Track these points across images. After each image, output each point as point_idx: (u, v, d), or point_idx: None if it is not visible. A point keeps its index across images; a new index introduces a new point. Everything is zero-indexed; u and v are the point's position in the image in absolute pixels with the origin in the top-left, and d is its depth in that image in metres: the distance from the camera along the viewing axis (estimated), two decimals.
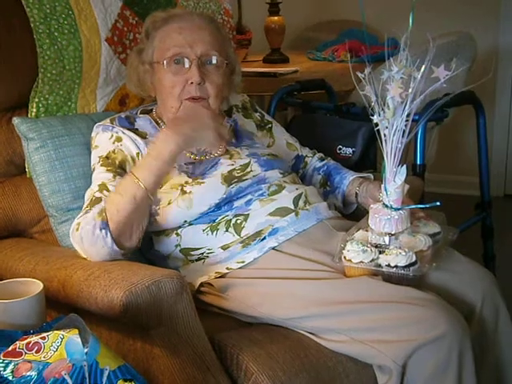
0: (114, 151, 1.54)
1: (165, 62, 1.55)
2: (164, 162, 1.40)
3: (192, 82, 1.54)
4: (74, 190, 1.57)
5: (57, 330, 1.03)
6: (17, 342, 1.02)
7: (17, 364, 1.00)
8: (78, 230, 1.40)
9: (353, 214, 1.71)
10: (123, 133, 1.56)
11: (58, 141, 1.58)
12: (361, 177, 1.71)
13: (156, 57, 1.58)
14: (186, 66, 1.55)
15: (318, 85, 2.40)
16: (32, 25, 1.56)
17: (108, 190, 1.46)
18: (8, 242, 1.58)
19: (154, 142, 1.46)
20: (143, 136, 1.58)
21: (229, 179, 1.52)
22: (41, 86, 1.60)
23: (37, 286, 1.20)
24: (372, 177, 1.72)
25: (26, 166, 1.61)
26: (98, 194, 1.46)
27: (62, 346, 1.00)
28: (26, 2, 1.55)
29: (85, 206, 1.46)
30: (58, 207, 1.56)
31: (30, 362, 1.00)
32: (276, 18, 3.27)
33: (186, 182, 1.51)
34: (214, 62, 1.57)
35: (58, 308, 1.32)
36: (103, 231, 1.37)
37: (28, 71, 1.59)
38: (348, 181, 1.71)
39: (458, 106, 2.18)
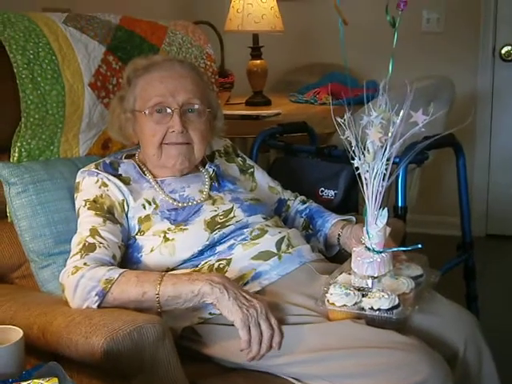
0: (101, 196, 1.54)
1: (147, 111, 1.57)
2: (191, 292, 1.34)
3: (173, 131, 1.55)
4: (56, 234, 1.56)
5: (36, 378, 1.01)
6: None
7: None
8: (74, 274, 1.38)
9: (335, 257, 1.71)
10: (108, 179, 1.56)
11: (40, 185, 1.57)
12: (343, 219, 1.72)
13: (138, 105, 1.60)
14: (169, 114, 1.56)
15: (299, 127, 2.43)
16: (15, 70, 1.57)
17: (100, 236, 1.46)
18: None
19: (207, 274, 1.41)
20: (127, 182, 1.58)
21: (212, 225, 1.52)
22: (23, 130, 1.60)
23: (16, 334, 1.18)
24: (354, 219, 1.73)
25: (7, 210, 1.60)
26: (90, 240, 1.45)
27: None
28: (10, 47, 1.57)
29: (76, 250, 1.44)
30: (39, 252, 1.55)
31: None
32: (258, 61, 3.31)
33: (169, 229, 1.51)
34: (197, 110, 1.58)
35: (38, 355, 1.30)
36: (97, 297, 1.35)
37: (11, 116, 1.60)
38: (330, 224, 1.72)
39: (438, 149, 2.21)
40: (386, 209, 1.37)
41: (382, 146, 1.33)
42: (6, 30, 1.58)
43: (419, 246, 1.40)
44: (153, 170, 1.63)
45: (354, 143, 1.33)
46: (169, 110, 1.56)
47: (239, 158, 1.83)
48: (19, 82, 1.57)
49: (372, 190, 1.35)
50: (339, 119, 1.33)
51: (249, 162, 1.85)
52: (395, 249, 1.43)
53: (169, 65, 1.62)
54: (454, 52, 3.58)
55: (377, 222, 1.37)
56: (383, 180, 1.35)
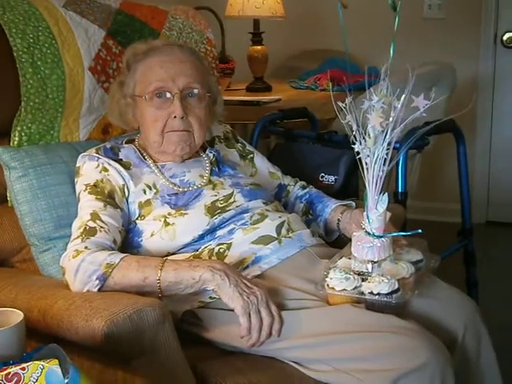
0: (102, 180, 1.54)
1: (147, 96, 1.56)
2: (192, 278, 1.34)
3: (175, 116, 1.55)
4: (56, 219, 1.56)
5: (37, 360, 1.01)
6: None
7: None
8: (75, 257, 1.38)
9: (335, 242, 1.72)
10: (109, 164, 1.56)
11: (40, 170, 1.57)
12: (343, 204, 1.72)
13: (138, 91, 1.59)
14: (169, 99, 1.55)
15: (300, 113, 2.42)
16: (15, 54, 1.56)
17: (101, 220, 1.46)
18: None
19: (208, 260, 1.42)
20: (127, 167, 1.58)
21: (212, 210, 1.53)
22: (23, 114, 1.60)
23: (17, 316, 1.19)
24: (354, 204, 1.73)
25: (8, 194, 1.60)
26: (91, 224, 1.45)
27: (41, 376, 0.99)
28: (9, 31, 1.56)
29: (77, 234, 1.44)
30: (39, 236, 1.55)
31: None
32: (259, 47, 3.31)
33: (169, 214, 1.51)
34: (197, 95, 1.58)
35: (39, 338, 1.30)
36: (97, 281, 1.36)
37: (11, 100, 1.59)
38: (330, 209, 1.72)
39: (439, 134, 2.21)
40: (386, 194, 1.38)
41: (382, 131, 1.33)
42: (5, 14, 1.58)
43: (419, 231, 1.41)
44: (153, 155, 1.63)
45: (354, 128, 1.33)
46: (169, 95, 1.55)
47: (239, 144, 1.83)
48: (19, 66, 1.57)
49: (372, 174, 1.35)
50: (340, 103, 1.33)
51: (248, 147, 1.85)
52: (395, 234, 1.44)
53: (168, 49, 1.61)
54: (456, 38, 3.57)
55: (377, 207, 1.37)
56: (384, 165, 1.35)
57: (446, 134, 2.23)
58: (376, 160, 1.34)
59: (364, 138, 1.33)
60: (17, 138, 1.61)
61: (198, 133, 1.59)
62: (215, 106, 1.70)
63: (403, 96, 1.30)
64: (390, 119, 1.31)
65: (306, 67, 3.55)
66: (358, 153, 1.35)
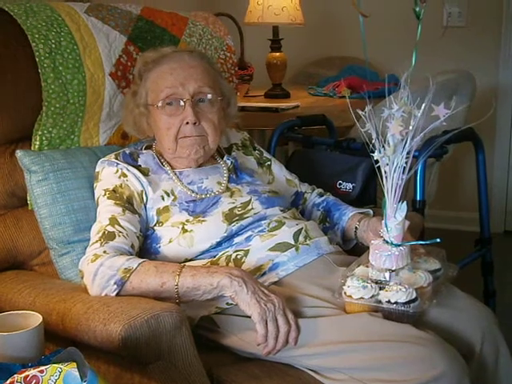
0: (120, 186, 1.55)
1: (159, 104, 1.57)
2: (210, 285, 1.35)
3: (187, 122, 1.56)
4: (75, 222, 1.57)
5: (55, 363, 1.02)
6: (15, 376, 1.01)
7: None
8: (94, 261, 1.39)
9: (353, 249, 1.71)
10: (128, 170, 1.57)
11: (60, 174, 1.59)
12: (361, 212, 1.72)
13: (150, 99, 1.61)
14: (181, 106, 1.56)
15: (318, 120, 2.42)
16: (37, 59, 1.58)
17: (119, 225, 1.47)
18: (8, 274, 1.58)
19: (226, 267, 1.42)
20: (146, 173, 1.59)
21: (230, 217, 1.53)
22: (44, 119, 1.61)
23: (36, 319, 1.20)
24: (372, 212, 1.72)
25: (28, 198, 1.62)
26: (110, 229, 1.46)
27: (60, 379, 0.99)
28: (32, 36, 1.58)
29: (96, 238, 1.46)
30: (58, 240, 1.57)
31: None
32: (278, 53, 3.31)
33: (187, 221, 1.51)
34: (209, 99, 1.59)
35: (57, 341, 1.32)
36: (115, 286, 1.36)
37: (32, 104, 1.61)
38: (347, 217, 1.72)
39: (458, 143, 2.20)
40: (405, 202, 1.37)
41: (402, 140, 1.32)
42: (28, 19, 1.60)
43: (438, 240, 1.40)
44: (170, 162, 1.63)
45: (374, 136, 1.32)
46: (181, 102, 1.56)
47: (256, 151, 1.83)
48: (41, 71, 1.58)
49: (392, 183, 1.34)
50: (360, 111, 1.33)
51: (266, 155, 1.85)
52: (414, 242, 1.43)
53: (178, 56, 1.62)
54: (476, 46, 3.55)
55: (396, 215, 1.37)
56: (403, 173, 1.34)
57: (464, 142, 2.22)
58: (395, 168, 1.33)
59: (383, 146, 1.33)
60: (38, 142, 1.63)
61: (212, 137, 1.59)
62: (229, 109, 1.70)
63: (423, 105, 1.30)
64: (410, 128, 1.31)
65: (325, 74, 3.55)
66: (377, 161, 1.35)
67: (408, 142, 1.32)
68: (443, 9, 3.58)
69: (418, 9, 1.32)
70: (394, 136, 1.32)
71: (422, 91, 1.32)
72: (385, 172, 1.35)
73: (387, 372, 1.28)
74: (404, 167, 1.34)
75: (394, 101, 1.31)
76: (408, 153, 1.33)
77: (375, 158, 1.34)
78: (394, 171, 1.34)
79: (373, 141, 1.33)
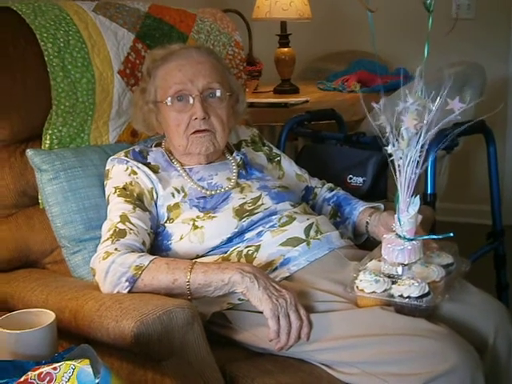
0: (131, 183, 1.55)
1: (168, 100, 1.57)
2: (221, 281, 1.35)
3: (196, 118, 1.56)
4: (87, 220, 1.58)
5: (68, 360, 1.02)
6: (29, 373, 1.02)
7: None
8: (105, 259, 1.40)
9: (364, 244, 1.71)
10: (137, 167, 1.58)
11: (70, 172, 1.59)
12: (371, 207, 1.71)
13: (159, 96, 1.61)
14: (190, 102, 1.56)
15: (328, 115, 2.41)
16: (46, 58, 1.59)
17: (130, 222, 1.47)
18: (20, 272, 1.59)
19: (237, 263, 1.42)
20: (156, 170, 1.60)
21: (240, 213, 1.53)
22: (54, 117, 1.62)
23: (49, 317, 1.20)
24: (382, 207, 1.72)
25: (39, 197, 1.62)
26: (121, 226, 1.46)
27: (73, 376, 1.00)
28: (41, 36, 1.58)
29: (107, 236, 1.46)
30: (70, 238, 1.57)
31: None
32: (286, 49, 3.30)
33: (198, 217, 1.51)
34: (217, 95, 1.59)
35: (70, 338, 1.32)
36: (127, 283, 1.37)
37: (42, 103, 1.61)
38: (358, 211, 1.71)
39: (469, 135, 2.19)
40: (418, 196, 1.36)
41: (416, 133, 1.31)
42: (36, 19, 1.60)
43: (451, 234, 1.39)
44: (180, 159, 1.64)
45: (388, 129, 1.31)
46: (190, 99, 1.56)
47: (266, 147, 1.83)
48: (50, 70, 1.59)
49: (405, 177, 1.33)
50: (375, 104, 1.32)
51: (275, 150, 1.84)
52: (426, 237, 1.42)
53: (186, 52, 1.62)
54: (485, 38, 3.53)
55: (408, 210, 1.36)
56: (416, 167, 1.33)
57: (475, 134, 2.21)
58: (409, 162, 1.32)
59: (397, 139, 1.32)
60: (48, 141, 1.63)
61: (220, 133, 1.59)
62: (237, 105, 1.70)
63: (438, 98, 1.29)
64: (425, 122, 1.30)
65: (334, 69, 3.54)
66: (390, 155, 1.34)
67: (422, 135, 1.31)
68: (452, 1, 3.56)
69: (428, 1, 1.31)
70: (408, 129, 1.31)
71: (433, 84, 1.31)
72: (398, 166, 1.34)
73: (399, 366, 1.28)
74: (418, 161, 1.33)
75: (408, 94, 1.30)
76: (422, 147, 1.32)
77: (388, 152, 1.34)
78: (408, 165, 1.33)
79: (386, 134, 1.32)
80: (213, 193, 1.58)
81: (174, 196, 1.56)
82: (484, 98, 2.47)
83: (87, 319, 1.30)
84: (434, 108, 1.29)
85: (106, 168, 1.61)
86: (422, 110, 1.30)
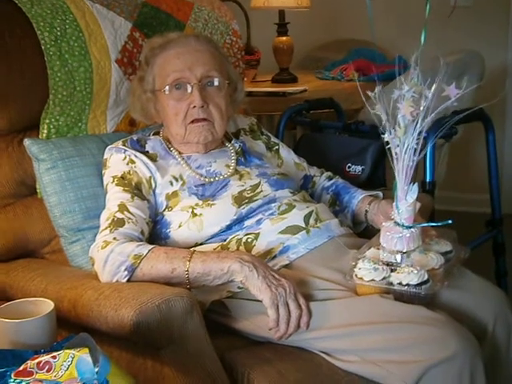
0: (129, 172, 1.55)
1: (166, 88, 1.57)
2: (220, 270, 1.34)
3: (195, 106, 1.55)
4: (85, 210, 1.57)
5: (67, 349, 1.03)
6: (28, 362, 1.02)
7: (28, 383, 1.00)
8: (104, 248, 1.40)
9: (363, 232, 1.71)
10: (135, 156, 1.58)
11: (68, 162, 1.59)
12: (370, 195, 1.71)
13: (157, 84, 1.60)
14: (188, 90, 1.56)
15: (326, 104, 2.41)
16: (43, 47, 1.58)
17: (128, 211, 1.47)
18: (19, 262, 1.59)
19: (236, 252, 1.42)
20: (154, 159, 1.59)
21: (239, 200, 1.53)
22: (52, 107, 1.61)
23: (48, 306, 1.21)
24: (381, 195, 1.72)
25: (37, 186, 1.62)
26: (119, 215, 1.46)
27: (72, 365, 1.00)
28: (37, 24, 1.58)
29: (105, 225, 1.46)
30: (68, 227, 1.57)
31: (41, 381, 1.00)
32: (284, 38, 3.30)
33: (197, 204, 1.51)
34: (216, 84, 1.58)
35: (69, 327, 1.32)
36: (126, 272, 1.37)
37: (39, 93, 1.61)
38: (357, 200, 1.71)
39: (468, 123, 2.18)
40: (416, 184, 1.36)
41: (413, 121, 1.31)
42: (33, 8, 1.59)
43: (449, 221, 1.39)
44: (178, 147, 1.63)
45: (384, 117, 1.31)
46: (189, 87, 1.56)
47: (264, 136, 1.82)
48: (47, 59, 1.58)
49: (402, 164, 1.33)
50: (370, 93, 1.31)
51: (273, 139, 1.84)
52: (425, 224, 1.42)
53: (184, 41, 1.61)
54: (484, 26, 3.51)
55: (407, 197, 1.36)
56: (414, 155, 1.33)
57: (474, 122, 2.21)
58: (406, 150, 1.32)
59: (394, 127, 1.32)
60: (45, 131, 1.63)
61: (219, 122, 1.59)
62: (236, 94, 1.70)
63: (434, 85, 1.28)
64: (421, 109, 1.29)
65: (332, 58, 3.53)
66: (388, 143, 1.34)
67: (419, 122, 1.31)
68: None
69: None
70: (405, 117, 1.30)
71: (432, 71, 1.30)
72: (395, 154, 1.34)
73: (399, 353, 1.28)
74: (415, 149, 1.33)
75: (404, 81, 1.29)
76: (419, 134, 1.32)
77: (386, 140, 1.33)
78: (405, 153, 1.33)
79: (383, 122, 1.32)
80: (211, 180, 1.58)
81: (172, 184, 1.56)
82: (482, 85, 2.46)
83: (86, 308, 1.30)
84: (429, 95, 1.28)
85: (104, 157, 1.60)
86: (418, 97, 1.30)
